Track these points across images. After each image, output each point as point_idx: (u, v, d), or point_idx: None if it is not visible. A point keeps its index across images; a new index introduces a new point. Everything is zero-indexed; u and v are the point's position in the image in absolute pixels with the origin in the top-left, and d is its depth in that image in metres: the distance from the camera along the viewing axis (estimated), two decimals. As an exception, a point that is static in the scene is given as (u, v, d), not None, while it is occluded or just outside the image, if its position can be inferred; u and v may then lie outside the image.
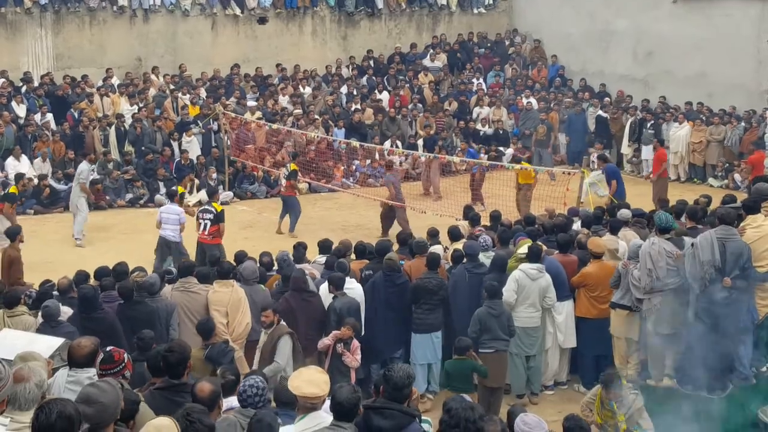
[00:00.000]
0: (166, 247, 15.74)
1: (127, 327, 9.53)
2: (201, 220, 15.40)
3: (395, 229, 17.80)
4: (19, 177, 19.41)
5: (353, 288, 10.91)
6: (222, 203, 21.42)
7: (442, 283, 11.12)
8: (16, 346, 7.19)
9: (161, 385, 6.86)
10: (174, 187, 17.78)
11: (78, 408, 4.77)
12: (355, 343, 10.13)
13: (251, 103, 25.02)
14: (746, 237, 10.02)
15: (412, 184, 23.00)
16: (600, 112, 26.01)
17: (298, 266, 11.44)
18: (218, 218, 15.35)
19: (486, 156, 25.12)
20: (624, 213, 13.50)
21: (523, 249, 11.56)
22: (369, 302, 11.03)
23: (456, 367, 9.22)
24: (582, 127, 26.17)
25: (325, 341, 10.14)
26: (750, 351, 10.32)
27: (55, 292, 10.52)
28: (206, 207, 15.76)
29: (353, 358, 10.06)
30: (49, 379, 5.89)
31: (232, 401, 6.96)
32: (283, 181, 19.43)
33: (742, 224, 10.23)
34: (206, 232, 15.29)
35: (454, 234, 12.79)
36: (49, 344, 7.96)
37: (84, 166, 18.51)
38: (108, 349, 6.66)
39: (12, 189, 17.96)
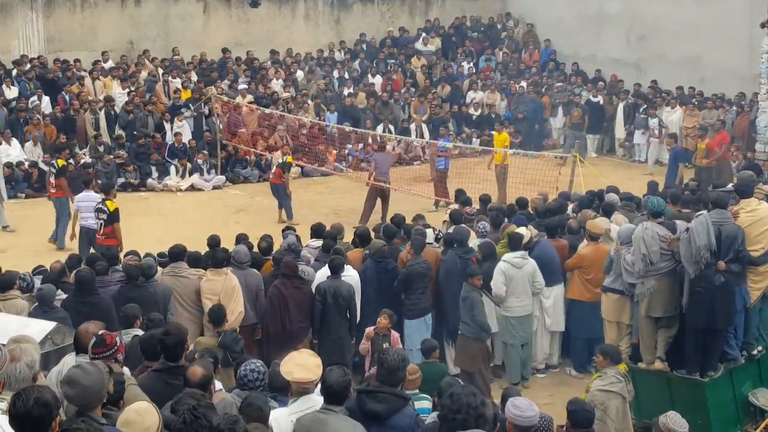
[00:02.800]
0: (86, 237, 15.06)
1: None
2: (97, 219, 14.38)
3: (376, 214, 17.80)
4: (61, 147, 18.78)
5: (350, 275, 10.89)
6: (214, 187, 21.55)
7: (429, 265, 11.16)
8: (9, 330, 7.19)
9: (158, 367, 6.87)
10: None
11: (56, 395, 4.78)
12: (395, 334, 9.96)
13: (242, 86, 24.95)
14: (740, 221, 10.02)
15: (404, 169, 22.98)
16: (590, 98, 25.97)
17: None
18: (112, 218, 14.18)
19: (479, 140, 25.18)
20: (611, 197, 13.54)
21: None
22: (362, 289, 11.03)
23: (425, 370, 8.83)
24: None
25: (365, 343, 9.95)
26: (741, 334, 10.35)
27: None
28: (100, 206, 14.30)
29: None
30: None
31: (218, 384, 6.97)
32: (274, 168, 19.09)
33: (735, 208, 10.22)
34: (101, 232, 14.26)
35: (455, 217, 12.78)
36: (41, 328, 7.97)
37: None
38: (100, 332, 6.66)
39: (60, 162, 16.95)
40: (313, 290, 10.68)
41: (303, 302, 10.63)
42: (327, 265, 10.83)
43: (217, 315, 9.46)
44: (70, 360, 7.09)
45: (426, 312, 11.19)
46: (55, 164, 16.90)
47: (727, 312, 9.84)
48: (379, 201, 18.42)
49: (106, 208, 14.20)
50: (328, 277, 10.65)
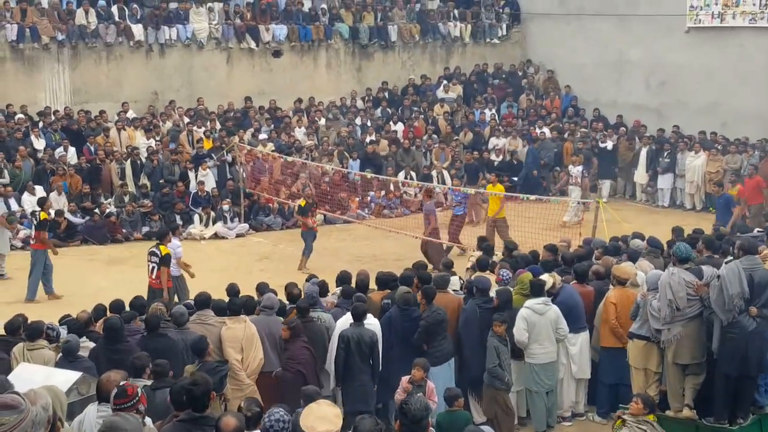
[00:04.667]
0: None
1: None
2: (149, 263, 14.77)
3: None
4: (43, 201, 18.96)
5: (371, 323, 10.85)
6: (238, 235, 21.66)
7: (444, 313, 11.01)
8: (34, 381, 7.20)
9: (184, 417, 6.83)
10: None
11: None
12: (430, 385, 9.78)
13: (263, 135, 25.17)
14: (770, 264, 9.98)
15: (418, 215, 22.97)
16: (600, 143, 25.93)
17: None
18: (163, 261, 14.53)
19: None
20: (636, 243, 13.47)
21: (525, 282, 11.53)
22: (386, 336, 10.98)
23: (447, 419, 8.77)
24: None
25: (401, 394, 9.68)
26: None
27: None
28: (153, 249, 14.80)
29: (431, 401, 9.43)
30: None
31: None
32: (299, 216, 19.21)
33: (765, 252, 10.17)
34: (153, 276, 14.62)
35: (483, 265, 12.73)
36: (66, 378, 7.98)
37: None
38: (121, 383, 6.66)
39: (42, 215, 17.26)
40: (336, 338, 10.66)
41: (312, 339, 10.75)
42: (349, 312, 10.80)
43: (199, 347, 9.37)
44: (92, 410, 7.08)
45: (449, 356, 11.06)
46: (38, 216, 17.16)
47: (760, 358, 9.73)
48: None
49: (158, 252, 14.60)
50: (351, 324, 10.62)
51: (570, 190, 23.02)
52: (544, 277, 11.51)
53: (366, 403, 10.41)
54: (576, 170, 22.97)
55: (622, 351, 11.25)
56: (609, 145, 25.91)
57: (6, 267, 18.24)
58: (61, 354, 9.38)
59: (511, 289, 11.52)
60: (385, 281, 12.09)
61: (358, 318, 10.58)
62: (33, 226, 16.98)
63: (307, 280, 12.55)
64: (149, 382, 8.23)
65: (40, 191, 21.24)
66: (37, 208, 20.41)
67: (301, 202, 19.17)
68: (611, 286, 11.64)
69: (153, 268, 14.65)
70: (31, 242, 17.19)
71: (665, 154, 24.87)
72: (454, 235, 19.49)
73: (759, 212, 20.35)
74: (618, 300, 11.32)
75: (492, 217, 19.38)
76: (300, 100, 27.83)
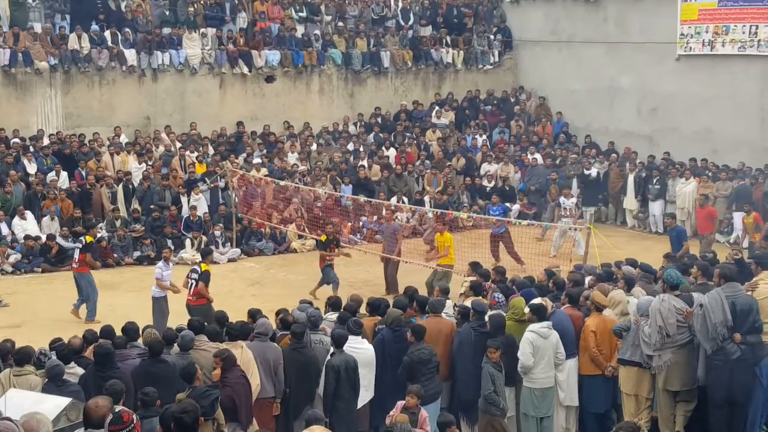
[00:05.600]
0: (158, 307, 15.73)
1: (148, 384, 9.35)
2: (189, 280, 15.09)
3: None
4: (91, 225, 19.23)
5: (365, 348, 10.81)
6: (230, 260, 21.62)
7: (432, 351, 10.88)
8: (23, 406, 7.17)
9: (173, 444, 6.81)
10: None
11: None
12: (423, 413, 9.66)
13: (257, 160, 25.21)
14: (758, 292, 9.99)
15: (418, 239, 22.99)
16: (584, 170, 25.94)
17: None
18: (202, 277, 14.87)
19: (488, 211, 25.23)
20: (627, 270, 13.46)
21: (518, 307, 11.49)
22: (379, 360, 10.94)
23: None
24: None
25: (390, 418, 9.60)
26: (758, 410, 10.20)
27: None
28: (195, 267, 15.39)
29: (423, 430, 9.41)
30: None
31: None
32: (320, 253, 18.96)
33: (755, 279, 10.19)
34: (191, 293, 14.94)
35: (477, 289, 12.72)
36: (56, 404, 7.92)
37: None
38: (117, 409, 6.61)
39: (88, 238, 17.34)
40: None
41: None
42: (332, 337, 10.79)
43: (188, 372, 9.25)
44: (78, 436, 7.05)
45: (435, 398, 10.93)
46: (83, 240, 17.26)
47: (746, 385, 9.73)
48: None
49: (199, 269, 15.00)
50: (332, 354, 10.59)
51: (563, 223, 22.79)
52: (538, 301, 11.49)
53: (350, 427, 10.41)
54: (569, 202, 22.93)
55: (602, 378, 11.23)
56: (593, 172, 25.95)
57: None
58: (47, 379, 9.32)
59: (504, 314, 11.50)
60: (377, 306, 12.07)
61: (339, 345, 10.59)
62: (78, 249, 17.03)
63: (300, 306, 12.48)
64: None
65: (30, 216, 21.21)
66: (28, 232, 20.57)
67: (322, 237, 18.96)
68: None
69: (192, 284, 14.94)
70: (74, 265, 17.16)
71: (655, 180, 24.95)
72: (494, 253, 20.31)
73: (710, 242, 20.41)
74: (597, 327, 11.27)
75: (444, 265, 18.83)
76: (290, 125, 27.85)
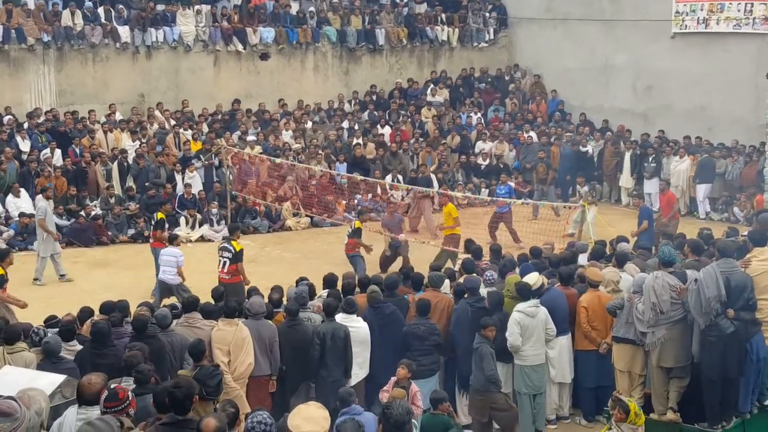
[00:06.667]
0: (167, 291, 15.52)
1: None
2: (220, 258, 15.10)
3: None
4: (162, 202, 19.64)
5: (359, 327, 10.91)
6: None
7: (433, 328, 11.07)
8: (18, 383, 7.17)
9: (166, 420, 6.81)
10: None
11: None
12: (414, 388, 9.72)
13: (251, 138, 25.15)
14: (751, 269, 10.01)
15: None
16: (580, 147, 25.88)
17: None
18: (236, 257, 14.98)
19: (487, 190, 25.24)
20: (623, 246, 13.50)
21: (513, 284, 11.56)
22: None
23: (431, 421, 8.87)
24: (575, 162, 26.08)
25: (385, 393, 9.66)
26: (751, 385, 10.27)
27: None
28: (225, 245, 15.28)
29: (415, 405, 9.39)
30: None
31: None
32: (346, 238, 18.54)
33: (748, 256, 10.21)
34: (225, 270, 14.98)
35: (468, 267, 12.77)
36: (50, 381, 7.93)
37: (40, 202, 18.25)
38: (112, 386, 6.62)
39: (159, 215, 17.42)
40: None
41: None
42: (323, 307, 10.92)
43: (196, 350, 9.36)
44: (71, 412, 7.04)
45: (431, 373, 11.07)
46: (155, 217, 17.54)
47: (739, 361, 9.78)
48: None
49: (231, 248, 14.99)
50: (322, 321, 10.75)
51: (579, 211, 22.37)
52: (533, 275, 11.54)
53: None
54: (583, 191, 22.73)
55: (596, 354, 11.36)
56: (589, 149, 25.93)
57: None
58: (43, 356, 9.34)
59: (500, 293, 11.56)
60: (368, 285, 12.13)
61: (330, 314, 10.77)
62: (151, 227, 17.54)
63: (297, 283, 12.54)
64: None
65: (24, 194, 21.15)
66: (22, 210, 20.51)
67: (356, 223, 18.68)
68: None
69: (225, 263, 14.94)
70: (151, 241, 17.43)
71: (650, 158, 24.95)
72: (492, 231, 20.35)
73: (674, 226, 20.09)
74: (589, 304, 11.39)
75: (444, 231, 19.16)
76: (284, 103, 27.78)
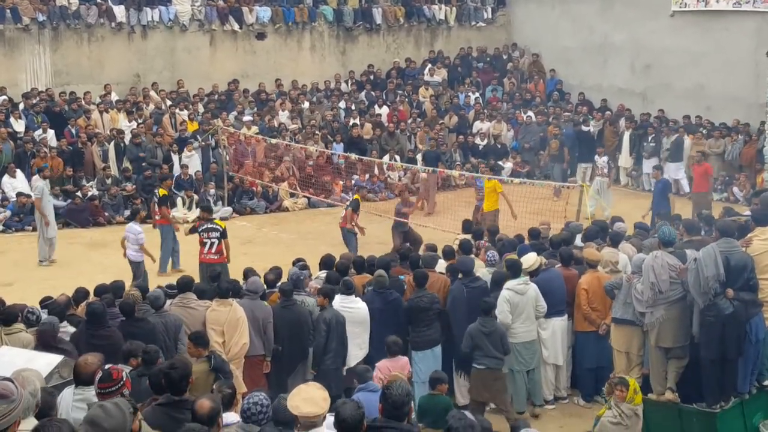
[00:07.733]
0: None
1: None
2: (207, 239, 14.92)
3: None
4: (164, 177, 19.51)
5: (358, 307, 10.90)
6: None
7: (434, 297, 11.14)
8: (15, 364, 7.13)
9: (162, 401, 6.79)
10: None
11: (73, 429, 4.70)
12: (402, 359, 9.96)
13: (247, 118, 25.04)
14: (752, 248, 9.96)
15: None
16: (582, 127, 25.74)
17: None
18: (224, 234, 14.96)
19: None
20: (620, 226, 13.46)
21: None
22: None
23: (429, 402, 8.89)
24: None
25: (380, 378, 9.55)
26: (750, 365, 10.24)
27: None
28: (210, 225, 15.05)
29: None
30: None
31: (228, 417, 6.87)
32: (343, 211, 18.46)
33: (749, 235, 10.16)
34: (213, 251, 14.85)
35: (465, 247, 12.73)
36: (47, 361, 7.90)
37: (38, 182, 18.11)
38: (106, 367, 6.58)
39: (161, 191, 17.51)
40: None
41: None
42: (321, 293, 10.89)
43: (203, 340, 9.24)
44: (68, 392, 7.02)
45: (434, 344, 11.13)
46: (157, 194, 17.49)
47: (738, 341, 9.74)
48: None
49: (218, 227, 15.04)
50: (322, 308, 10.73)
51: (597, 182, 22.05)
52: (531, 256, 11.52)
53: (338, 384, 10.46)
54: (602, 161, 22.54)
55: (595, 335, 11.38)
56: (590, 128, 25.84)
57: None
58: (39, 337, 9.29)
59: (503, 272, 11.55)
60: (364, 265, 12.10)
61: (329, 298, 10.77)
62: (155, 203, 17.47)
63: (294, 263, 12.50)
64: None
65: (20, 174, 21.06)
66: (19, 190, 20.43)
67: (356, 195, 18.70)
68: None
69: (213, 243, 14.85)
70: (156, 218, 17.40)
71: (650, 138, 24.87)
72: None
73: (702, 200, 19.97)
74: (589, 285, 11.39)
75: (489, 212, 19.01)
76: (281, 83, 27.64)
